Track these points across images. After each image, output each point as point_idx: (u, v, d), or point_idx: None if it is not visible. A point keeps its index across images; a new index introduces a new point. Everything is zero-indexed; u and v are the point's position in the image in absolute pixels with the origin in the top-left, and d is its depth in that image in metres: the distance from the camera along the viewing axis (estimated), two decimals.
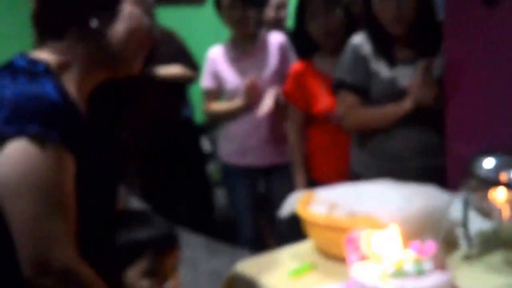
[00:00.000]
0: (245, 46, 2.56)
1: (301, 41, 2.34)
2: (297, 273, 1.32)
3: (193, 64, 2.83)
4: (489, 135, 1.64)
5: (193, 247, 2.45)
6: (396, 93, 1.85)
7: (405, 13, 1.79)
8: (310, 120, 2.34)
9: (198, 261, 2.29)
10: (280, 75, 2.52)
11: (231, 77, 2.54)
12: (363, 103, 1.92)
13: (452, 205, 1.40)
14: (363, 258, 1.21)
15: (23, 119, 0.94)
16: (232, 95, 2.55)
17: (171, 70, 2.75)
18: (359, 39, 1.94)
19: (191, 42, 2.96)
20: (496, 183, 1.27)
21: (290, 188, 2.13)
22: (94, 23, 1.07)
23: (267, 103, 2.42)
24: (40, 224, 0.94)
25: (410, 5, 1.79)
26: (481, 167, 1.31)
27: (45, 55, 1.07)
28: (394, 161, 1.87)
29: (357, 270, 1.18)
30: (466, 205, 1.32)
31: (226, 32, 2.63)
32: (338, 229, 1.30)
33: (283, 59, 2.56)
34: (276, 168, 2.58)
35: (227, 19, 2.54)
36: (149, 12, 1.15)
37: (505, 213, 1.27)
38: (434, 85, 1.76)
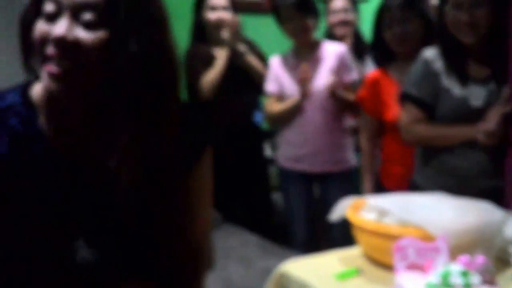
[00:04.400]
0: (304, 54, 2.60)
1: (378, 50, 2.35)
2: (343, 276, 1.35)
3: None
4: None
5: (248, 246, 2.51)
6: (466, 113, 1.81)
7: (478, 20, 1.75)
8: (383, 128, 2.35)
9: (253, 259, 2.35)
10: (337, 84, 2.55)
11: (289, 84, 2.60)
12: (427, 118, 1.89)
13: (507, 223, 1.38)
14: (410, 267, 1.22)
15: None
16: None
17: (255, 61, 2.82)
18: (431, 54, 1.90)
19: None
20: None
21: (345, 194, 2.14)
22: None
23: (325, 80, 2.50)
24: None
25: (483, 13, 1.74)
26: None
27: None
28: (458, 179, 1.84)
29: (403, 278, 1.20)
30: None
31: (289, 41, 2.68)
32: (387, 237, 1.31)
33: (340, 68, 2.58)
34: (331, 175, 2.61)
35: (287, 31, 2.59)
36: None
37: None
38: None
